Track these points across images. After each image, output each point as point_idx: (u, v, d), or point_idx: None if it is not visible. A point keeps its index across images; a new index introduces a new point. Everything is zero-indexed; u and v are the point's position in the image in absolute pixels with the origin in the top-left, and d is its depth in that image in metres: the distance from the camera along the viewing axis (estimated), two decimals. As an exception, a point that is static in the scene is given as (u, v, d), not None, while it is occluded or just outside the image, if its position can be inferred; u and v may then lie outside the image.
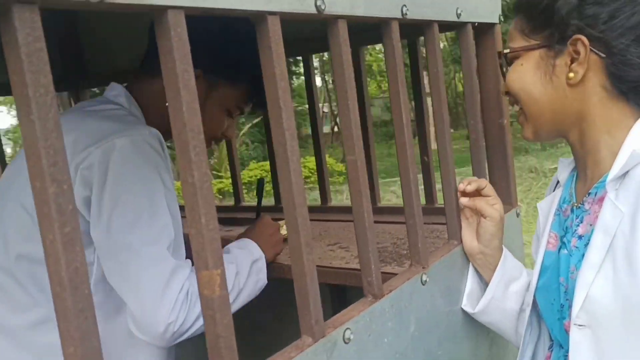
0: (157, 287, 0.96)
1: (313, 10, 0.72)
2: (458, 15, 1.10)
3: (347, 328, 0.78)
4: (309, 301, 0.72)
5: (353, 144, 0.81)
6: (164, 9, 0.53)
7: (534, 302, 1.05)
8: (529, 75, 0.94)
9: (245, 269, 1.16)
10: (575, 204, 0.97)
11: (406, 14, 0.92)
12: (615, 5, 0.86)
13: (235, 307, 1.11)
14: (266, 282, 1.22)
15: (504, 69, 1.01)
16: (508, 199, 1.34)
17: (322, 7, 0.73)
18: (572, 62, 0.89)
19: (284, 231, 1.36)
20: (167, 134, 1.08)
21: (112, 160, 0.99)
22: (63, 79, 2.07)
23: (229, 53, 1.21)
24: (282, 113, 0.67)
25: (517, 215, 1.37)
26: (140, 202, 0.99)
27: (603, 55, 0.87)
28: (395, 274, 0.98)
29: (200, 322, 1.00)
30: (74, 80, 2.10)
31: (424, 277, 0.99)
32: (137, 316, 0.97)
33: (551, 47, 0.91)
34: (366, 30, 1.53)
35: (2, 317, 1.08)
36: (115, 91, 1.20)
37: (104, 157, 0.99)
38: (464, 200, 1.10)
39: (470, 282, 1.15)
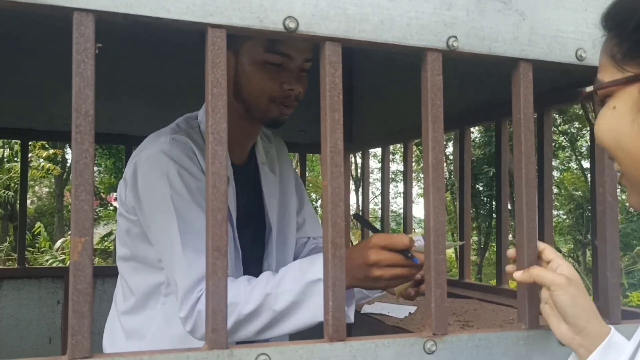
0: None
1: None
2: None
3: (263, 353, 0.75)
4: (209, 307, 0.73)
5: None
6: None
7: None
8: (624, 124, 0.66)
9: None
10: None
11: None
12: None
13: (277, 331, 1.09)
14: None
15: (590, 114, 0.80)
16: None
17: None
18: None
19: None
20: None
21: (138, 172, 1.18)
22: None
23: None
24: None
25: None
26: (164, 209, 1.15)
27: None
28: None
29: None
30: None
31: (430, 345, 0.85)
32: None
33: None
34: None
35: (118, 302, 1.34)
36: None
37: (134, 170, 1.19)
38: (516, 275, 0.88)
39: None
